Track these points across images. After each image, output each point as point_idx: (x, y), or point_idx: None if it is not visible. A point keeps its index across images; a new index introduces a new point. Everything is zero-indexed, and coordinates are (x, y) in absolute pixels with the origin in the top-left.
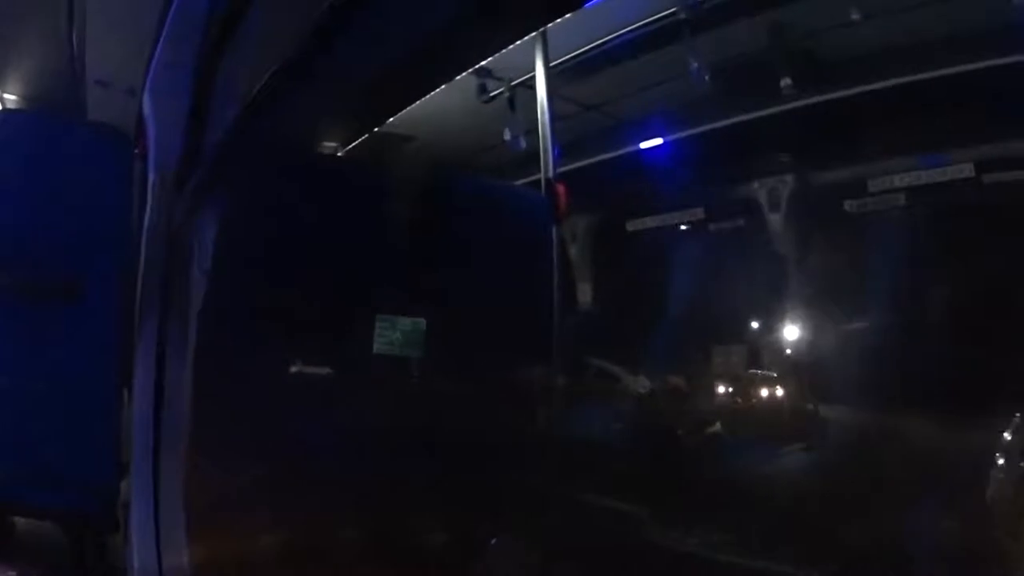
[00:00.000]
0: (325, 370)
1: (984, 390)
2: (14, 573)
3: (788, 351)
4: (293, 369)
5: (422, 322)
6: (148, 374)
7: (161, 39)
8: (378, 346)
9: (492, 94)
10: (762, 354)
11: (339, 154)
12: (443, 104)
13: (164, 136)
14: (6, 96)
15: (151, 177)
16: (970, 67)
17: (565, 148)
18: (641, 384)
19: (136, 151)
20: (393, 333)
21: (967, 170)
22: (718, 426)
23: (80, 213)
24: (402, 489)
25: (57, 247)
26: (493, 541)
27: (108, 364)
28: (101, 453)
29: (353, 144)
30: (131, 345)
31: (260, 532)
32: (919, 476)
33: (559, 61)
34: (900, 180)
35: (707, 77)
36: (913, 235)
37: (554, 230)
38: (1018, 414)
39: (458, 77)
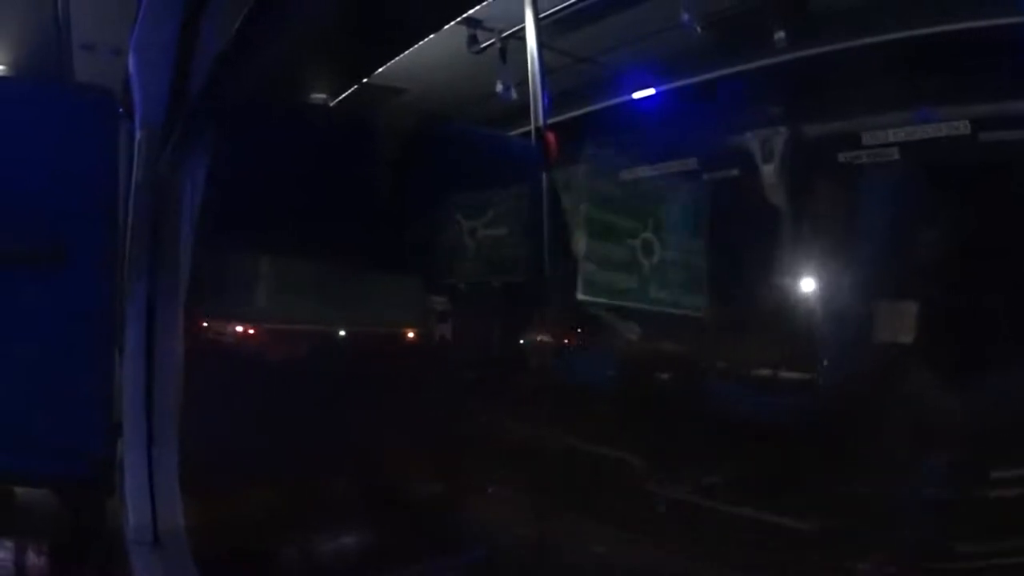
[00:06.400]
0: (317, 319)
1: (975, 344)
2: (11, 543)
3: (781, 300)
4: (286, 321)
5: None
6: (139, 333)
7: None
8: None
9: (483, 45)
10: (755, 303)
11: (329, 105)
12: (435, 57)
13: (150, 92)
14: None
15: (137, 134)
16: (969, 24)
17: (558, 99)
18: (633, 329)
19: (122, 110)
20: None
21: (963, 127)
22: (711, 371)
23: (66, 175)
24: (397, 438)
25: (43, 212)
26: (488, 490)
27: (97, 327)
28: (93, 417)
29: (344, 96)
30: (121, 305)
31: (254, 488)
32: (912, 425)
33: (549, 12)
34: (895, 135)
35: (699, 28)
36: (907, 189)
37: (545, 178)
38: None
39: (447, 27)
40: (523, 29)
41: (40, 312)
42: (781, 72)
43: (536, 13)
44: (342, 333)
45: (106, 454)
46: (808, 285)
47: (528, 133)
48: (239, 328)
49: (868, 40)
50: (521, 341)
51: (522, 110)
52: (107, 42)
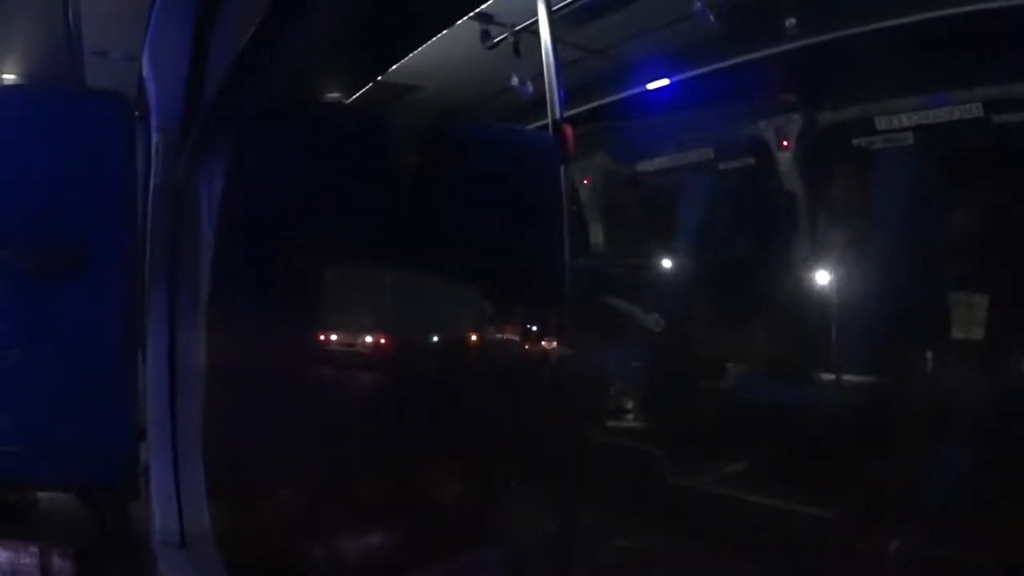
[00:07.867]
0: (340, 322)
1: (998, 330)
2: (35, 548)
3: (798, 288)
4: (308, 324)
5: None
6: (161, 337)
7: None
8: None
9: (495, 40)
10: (771, 290)
11: (344, 103)
12: (448, 53)
13: (165, 95)
14: (5, 76)
15: (153, 138)
16: (981, 6)
17: (573, 91)
18: (655, 322)
19: (137, 114)
20: None
21: (975, 110)
22: (733, 363)
23: (83, 181)
24: (419, 439)
25: (61, 218)
26: (512, 487)
27: (119, 331)
28: (117, 421)
29: (359, 94)
30: (142, 309)
31: (281, 491)
32: (930, 409)
33: (561, 5)
34: (908, 119)
35: (712, 17)
36: (922, 174)
37: (563, 171)
38: None
39: (460, 23)
40: (535, 23)
41: (61, 317)
42: (795, 59)
43: (549, 6)
44: (367, 336)
45: (130, 458)
46: (822, 270)
47: (546, 126)
48: (263, 331)
49: (879, 24)
50: (544, 336)
51: (540, 103)
52: (119, 48)
